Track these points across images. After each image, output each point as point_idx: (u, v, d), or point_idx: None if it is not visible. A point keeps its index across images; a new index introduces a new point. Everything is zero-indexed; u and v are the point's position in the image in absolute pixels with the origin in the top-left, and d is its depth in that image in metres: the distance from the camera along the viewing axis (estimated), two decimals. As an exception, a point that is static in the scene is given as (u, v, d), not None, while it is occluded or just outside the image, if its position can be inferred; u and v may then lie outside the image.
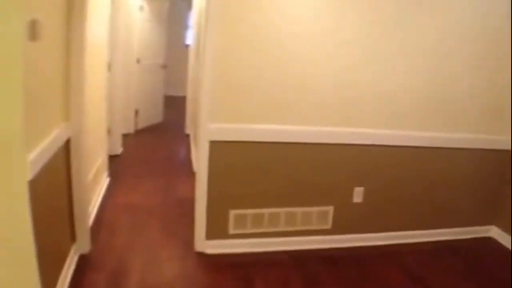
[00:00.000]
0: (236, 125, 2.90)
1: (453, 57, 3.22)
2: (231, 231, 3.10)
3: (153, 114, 7.18)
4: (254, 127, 2.93)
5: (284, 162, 3.06)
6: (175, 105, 8.68)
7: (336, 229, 3.35)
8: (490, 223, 3.84)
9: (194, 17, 6.15)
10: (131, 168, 4.96)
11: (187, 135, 6.62)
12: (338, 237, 3.37)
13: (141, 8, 6.23)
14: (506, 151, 3.63)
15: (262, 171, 3.04)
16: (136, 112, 6.56)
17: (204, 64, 2.77)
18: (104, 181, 4.20)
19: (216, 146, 2.90)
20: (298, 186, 3.15)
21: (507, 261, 3.42)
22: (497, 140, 3.57)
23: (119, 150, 5.40)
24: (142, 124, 6.79)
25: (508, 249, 3.65)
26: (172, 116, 7.84)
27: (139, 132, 6.65)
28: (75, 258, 2.79)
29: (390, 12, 2.98)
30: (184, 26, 9.88)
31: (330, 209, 3.29)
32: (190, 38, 7.82)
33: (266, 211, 3.14)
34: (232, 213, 3.07)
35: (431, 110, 3.28)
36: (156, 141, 6.33)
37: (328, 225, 3.32)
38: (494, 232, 3.83)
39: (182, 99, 7.40)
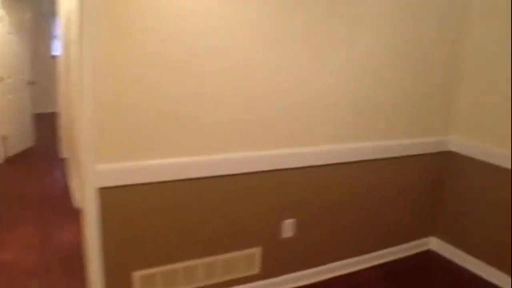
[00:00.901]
0: (133, 163, 2.19)
1: (385, 64, 2.84)
2: (137, 298, 2.37)
3: (24, 138, 6.04)
4: (158, 163, 2.25)
5: (198, 203, 2.43)
6: (47, 123, 7.52)
7: (266, 272, 2.80)
8: (429, 235, 3.59)
9: (60, 26, 5.20)
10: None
11: (63, 160, 5.61)
12: (269, 282, 2.82)
13: (1, 19, 5.12)
14: (442, 152, 3.39)
15: (172, 217, 2.38)
16: (4, 139, 5.40)
17: (83, 83, 2.01)
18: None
19: (109, 194, 2.16)
20: (217, 229, 2.54)
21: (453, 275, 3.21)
22: (431, 142, 3.29)
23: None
24: (12, 151, 5.66)
25: (450, 260, 3.43)
26: (45, 137, 6.69)
27: (10, 161, 5.49)
28: None
29: (320, 22, 2.48)
30: (49, 37, 8.77)
31: (257, 250, 2.73)
32: (57, 48, 6.80)
33: (180, 265, 2.48)
34: (137, 275, 2.35)
35: (362, 121, 2.87)
36: (29, 170, 5.25)
37: (256, 270, 2.76)
38: (433, 243, 3.59)
39: (54, 116, 6.49)
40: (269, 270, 2.81)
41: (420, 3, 2.88)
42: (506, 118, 3.01)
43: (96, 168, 2.10)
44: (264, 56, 2.38)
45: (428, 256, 3.51)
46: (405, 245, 3.44)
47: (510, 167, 2.98)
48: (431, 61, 3.10)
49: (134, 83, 2.08)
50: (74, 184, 4.23)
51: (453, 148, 3.37)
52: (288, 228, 2.80)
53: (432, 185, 3.44)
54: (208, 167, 2.38)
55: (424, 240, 3.57)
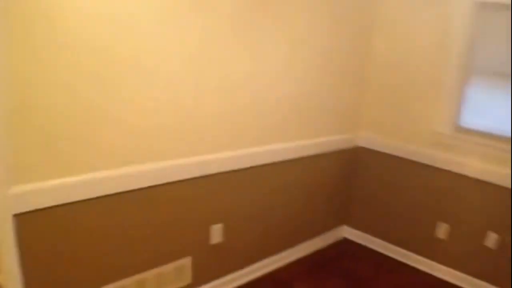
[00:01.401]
0: (51, 182, 1.95)
1: (303, 68, 2.92)
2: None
3: None
4: (79, 180, 2.04)
5: (124, 218, 2.29)
6: None
7: (198, 281, 2.74)
8: (343, 224, 3.82)
9: None
10: None
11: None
12: (202, 289, 2.76)
13: None
14: (352, 148, 3.61)
15: (99, 237, 2.21)
16: None
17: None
18: None
19: (29, 220, 1.90)
20: (146, 243, 2.43)
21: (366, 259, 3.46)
22: (343, 139, 3.50)
23: None
24: None
25: (364, 246, 3.69)
26: None
27: None
28: None
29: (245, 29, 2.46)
30: None
31: (187, 260, 2.65)
32: None
33: (110, 287, 2.29)
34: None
35: (283, 122, 2.94)
36: None
37: (188, 280, 2.69)
38: (347, 231, 3.83)
39: None
40: (201, 278, 2.76)
41: (336, 16, 3.03)
42: (400, 116, 3.38)
43: (10, 191, 1.83)
44: (184, 62, 2.30)
45: (343, 243, 3.73)
46: (322, 236, 3.61)
47: (404, 157, 3.36)
48: (344, 67, 3.31)
49: (47, 92, 1.85)
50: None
51: (362, 144, 3.63)
52: (216, 233, 2.76)
53: (345, 178, 3.67)
54: (132, 180, 2.25)
55: (339, 229, 3.78)
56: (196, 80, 2.36)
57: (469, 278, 3.18)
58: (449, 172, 3.18)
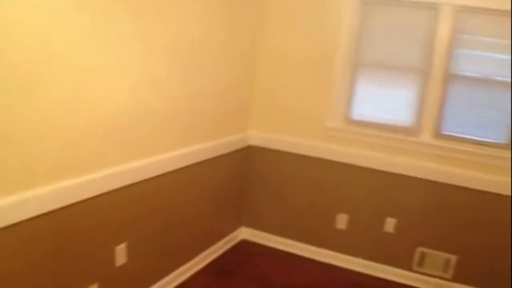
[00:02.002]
0: None
1: (194, 71, 2.76)
2: None
3: None
4: None
5: (22, 250, 1.92)
6: None
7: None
8: (240, 225, 3.74)
9: None
10: None
11: None
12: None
13: None
14: (244, 148, 3.54)
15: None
16: None
17: None
18: None
19: None
20: (49, 275, 2.07)
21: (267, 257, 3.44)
22: (235, 140, 3.40)
23: None
24: None
25: (264, 245, 3.66)
26: None
27: None
28: None
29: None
30: None
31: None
32: None
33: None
34: None
35: (177, 128, 2.73)
36: None
37: (95, 310, 2.41)
38: (245, 232, 3.76)
39: None
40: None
41: (224, 17, 2.90)
42: (292, 112, 3.43)
43: None
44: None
45: (244, 245, 3.67)
46: (224, 240, 3.51)
47: (298, 152, 3.43)
48: (232, 68, 3.21)
49: None
50: None
51: (254, 143, 3.59)
52: (121, 254, 2.50)
53: (239, 179, 3.59)
54: (27, 207, 1.89)
55: (238, 231, 3.72)
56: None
57: (371, 263, 3.33)
58: (343, 163, 3.30)
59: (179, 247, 3.01)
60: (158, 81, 2.53)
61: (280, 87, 3.44)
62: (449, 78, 3.07)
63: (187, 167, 2.89)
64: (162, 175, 2.67)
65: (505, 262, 3.06)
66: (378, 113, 3.25)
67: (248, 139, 3.57)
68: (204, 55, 2.88)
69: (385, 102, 3.25)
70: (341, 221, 3.38)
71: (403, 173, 3.18)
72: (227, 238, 3.56)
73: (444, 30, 3.02)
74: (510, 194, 2.99)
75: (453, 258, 3.18)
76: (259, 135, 3.56)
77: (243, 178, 3.63)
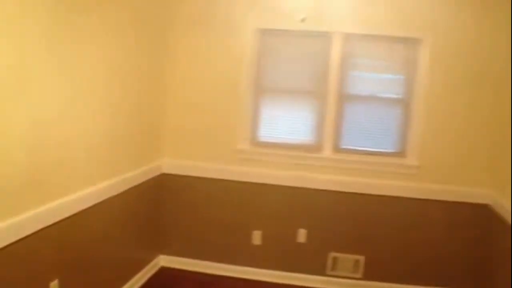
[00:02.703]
0: None
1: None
2: None
3: None
4: None
5: None
6: None
7: None
8: (158, 253, 3.78)
9: None
10: None
11: None
12: None
13: None
14: (157, 176, 3.58)
15: None
16: None
17: None
18: None
19: None
20: None
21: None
22: (148, 169, 3.42)
23: None
24: None
25: (184, 270, 3.71)
26: None
27: None
28: None
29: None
30: None
31: None
32: None
33: None
34: None
35: (95, 161, 2.70)
36: None
37: None
38: (164, 260, 3.79)
39: None
40: None
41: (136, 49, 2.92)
42: (204, 139, 3.56)
43: None
44: None
45: (164, 272, 3.68)
46: (143, 270, 3.51)
47: (211, 176, 3.58)
48: (145, 104, 3.29)
49: None
50: None
51: (168, 170, 3.64)
52: None
53: (154, 208, 3.61)
54: None
55: (157, 259, 3.73)
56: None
57: (288, 273, 3.57)
58: (254, 183, 3.49)
59: (104, 279, 2.98)
60: (73, 117, 2.52)
61: (191, 115, 3.55)
62: (343, 98, 3.38)
63: (103, 201, 2.84)
64: (80, 212, 2.63)
65: (407, 256, 3.45)
66: (283, 134, 3.49)
67: (161, 167, 3.61)
68: (115, 88, 2.91)
69: (289, 123, 3.50)
70: (257, 237, 3.56)
71: (309, 187, 3.44)
72: (147, 267, 3.56)
73: (335, 55, 3.33)
74: (404, 195, 3.38)
75: (361, 258, 3.51)
76: (173, 163, 3.63)
77: (158, 206, 3.66)
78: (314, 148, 3.45)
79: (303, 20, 2.12)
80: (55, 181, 2.42)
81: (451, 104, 3.31)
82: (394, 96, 3.42)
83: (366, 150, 3.43)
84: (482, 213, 3.35)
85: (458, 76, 3.28)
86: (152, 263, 3.64)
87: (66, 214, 2.50)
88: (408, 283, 3.48)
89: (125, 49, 2.95)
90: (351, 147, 3.44)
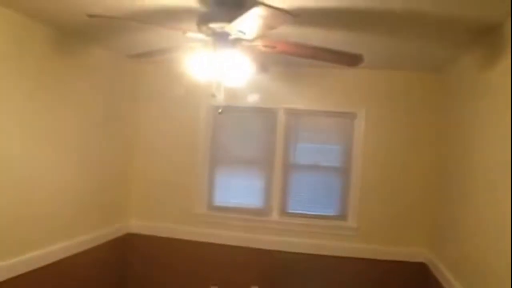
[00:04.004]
0: None
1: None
2: None
3: None
4: None
5: None
6: None
7: None
8: None
9: None
10: None
11: None
12: None
13: None
14: (123, 236, 3.98)
15: None
16: None
17: None
18: None
19: None
20: None
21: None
22: (112, 230, 3.83)
23: None
24: None
25: None
26: None
27: None
28: None
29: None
30: None
31: None
32: None
33: None
34: None
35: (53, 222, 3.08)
36: None
37: None
38: None
39: None
40: None
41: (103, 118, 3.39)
42: (166, 202, 3.97)
43: None
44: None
45: None
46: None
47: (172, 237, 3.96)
48: (110, 164, 3.70)
49: None
50: None
51: (133, 230, 4.04)
52: None
53: (119, 266, 3.96)
54: None
55: None
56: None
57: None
58: (211, 243, 3.87)
59: None
60: (36, 178, 2.85)
61: (153, 182, 3.99)
62: (288, 167, 3.82)
63: (66, 258, 3.15)
64: (38, 269, 2.86)
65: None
66: (236, 199, 3.92)
67: (127, 227, 4.00)
68: (83, 155, 3.32)
69: (241, 190, 3.94)
70: (214, 294, 3.93)
71: (260, 247, 3.81)
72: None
73: (280, 129, 3.80)
74: (346, 255, 3.72)
75: (309, 314, 3.81)
76: (138, 224, 4.03)
77: (122, 264, 4.00)
78: (263, 212, 3.85)
79: (220, 113, 2.55)
80: (13, 238, 2.66)
81: (386, 170, 3.71)
82: (334, 164, 3.84)
83: (310, 214, 3.82)
84: (419, 271, 3.65)
85: (391, 144, 3.71)
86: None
87: (23, 270, 2.73)
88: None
89: (94, 118, 3.40)
90: (297, 211, 3.83)
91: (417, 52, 3.02)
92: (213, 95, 2.21)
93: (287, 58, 2.54)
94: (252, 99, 3.67)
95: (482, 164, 2.56)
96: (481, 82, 2.66)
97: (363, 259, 3.73)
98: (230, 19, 1.69)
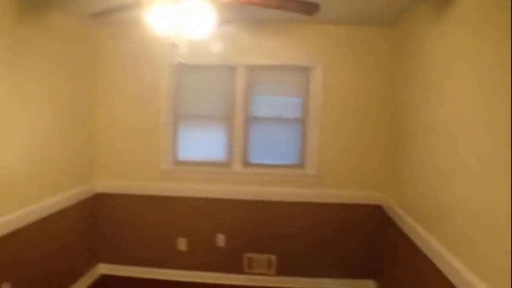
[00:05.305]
0: None
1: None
2: None
3: None
4: None
5: None
6: None
7: None
8: (97, 262, 4.23)
9: None
10: None
11: None
12: None
13: None
14: (92, 196, 4.05)
15: None
16: None
17: None
18: None
19: None
20: None
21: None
22: (82, 190, 3.90)
23: None
24: None
25: (122, 276, 4.17)
26: None
27: None
28: None
29: None
30: None
31: None
32: None
33: None
34: None
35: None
36: None
37: None
38: (103, 268, 4.24)
39: None
40: None
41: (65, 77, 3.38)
42: (131, 160, 4.05)
43: None
44: None
45: (103, 279, 4.15)
46: (82, 279, 3.95)
47: (139, 193, 4.07)
48: (74, 124, 3.70)
49: None
50: None
51: (100, 190, 4.13)
52: None
53: (91, 223, 4.09)
54: None
55: (96, 267, 4.20)
56: None
57: (210, 274, 4.10)
58: (177, 197, 4.02)
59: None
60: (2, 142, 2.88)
61: (120, 140, 4.06)
62: (249, 120, 3.95)
63: (34, 222, 3.21)
64: (7, 235, 2.94)
65: (312, 253, 4.03)
66: (199, 153, 4.04)
67: (95, 187, 4.10)
68: (49, 115, 3.35)
69: (204, 144, 4.06)
70: (181, 244, 4.09)
71: (224, 198, 3.99)
72: (87, 275, 4.03)
73: (240, 84, 3.90)
74: (307, 200, 3.97)
75: (273, 257, 4.06)
76: (106, 183, 4.12)
77: (95, 222, 4.14)
78: (226, 164, 4.01)
79: (182, 63, 2.57)
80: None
81: (343, 120, 3.90)
82: (294, 116, 4.00)
83: (271, 164, 4.00)
84: (375, 213, 3.95)
85: (347, 95, 3.88)
86: (91, 271, 4.10)
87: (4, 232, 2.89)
88: (313, 276, 4.06)
89: (56, 82, 3.42)
90: (258, 162, 4.01)
91: (371, 6, 3.17)
92: (174, 45, 2.26)
93: (247, 12, 2.62)
94: (215, 49, 3.70)
95: (436, 112, 2.76)
96: (433, 31, 2.84)
97: (323, 203, 3.98)
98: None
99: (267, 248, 4.07)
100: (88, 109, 3.94)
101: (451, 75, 2.56)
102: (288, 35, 3.86)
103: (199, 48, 2.97)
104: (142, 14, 2.21)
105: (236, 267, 4.10)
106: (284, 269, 4.08)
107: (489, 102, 2.09)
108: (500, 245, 1.91)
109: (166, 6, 2.11)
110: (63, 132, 3.57)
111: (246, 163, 4.01)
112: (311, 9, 2.21)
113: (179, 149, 4.05)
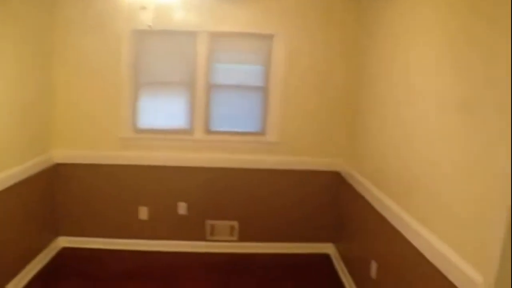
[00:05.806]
0: None
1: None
2: None
3: None
4: None
5: None
6: None
7: None
8: (57, 235, 4.13)
9: None
10: None
11: None
12: None
13: None
14: (50, 167, 3.93)
15: None
16: None
17: None
18: None
19: None
20: None
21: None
22: (39, 161, 3.75)
23: None
24: None
25: (84, 248, 4.10)
26: None
27: None
28: None
29: None
30: None
31: None
32: None
33: None
34: None
35: None
36: None
37: None
38: (65, 240, 4.15)
39: None
40: None
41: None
42: (90, 129, 3.96)
43: None
44: None
45: (66, 252, 4.08)
46: (44, 252, 3.84)
47: (100, 163, 4.01)
48: (33, 101, 3.48)
49: None
50: None
51: (59, 160, 4.00)
52: None
53: (50, 195, 3.98)
54: None
55: (56, 240, 4.10)
56: None
57: (173, 242, 4.12)
58: (137, 165, 4.00)
59: (6, 262, 3.29)
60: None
61: (78, 109, 3.93)
62: (210, 87, 3.94)
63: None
64: None
65: (274, 219, 4.13)
66: (160, 121, 4.00)
67: (53, 157, 3.97)
68: (2, 86, 3.16)
69: (165, 111, 4.02)
70: (143, 213, 4.07)
71: (186, 165, 4.00)
72: (48, 248, 3.94)
73: (202, 51, 3.87)
74: (267, 167, 4.03)
75: (235, 224, 4.12)
76: (64, 153, 3.99)
77: (54, 193, 4.03)
78: (188, 131, 4.00)
79: (150, 28, 2.52)
80: None
81: (304, 88, 3.97)
82: (256, 84, 4.01)
83: (232, 131, 4.03)
84: (334, 178, 4.07)
85: (308, 63, 3.93)
86: (52, 245, 4.03)
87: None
88: (275, 241, 4.17)
89: (12, 50, 3.25)
90: (220, 129, 4.02)
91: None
92: (143, 7, 2.23)
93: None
94: (177, 17, 3.63)
95: (395, 80, 2.87)
96: (393, 4, 2.94)
97: (283, 170, 4.07)
98: None
99: (229, 215, 4.13)
100: (45, 77, 3.79)
101: (405, 47, 2.71)
102: (251, 3, 3.84)
103: (163, 13, 2.91)
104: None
105: (198, 235, 4.14)
106: (246, 235, 4.16)
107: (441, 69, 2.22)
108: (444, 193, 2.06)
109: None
110: (18, 99, 3.40)
111: (208, 131, 4.01)
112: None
113: (139, 116, 3.98)
